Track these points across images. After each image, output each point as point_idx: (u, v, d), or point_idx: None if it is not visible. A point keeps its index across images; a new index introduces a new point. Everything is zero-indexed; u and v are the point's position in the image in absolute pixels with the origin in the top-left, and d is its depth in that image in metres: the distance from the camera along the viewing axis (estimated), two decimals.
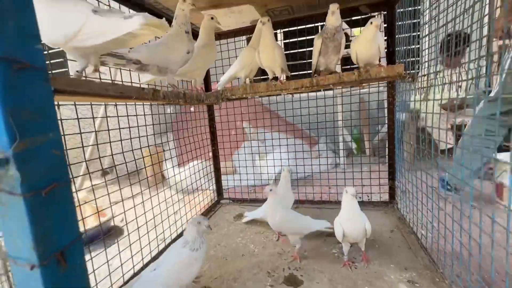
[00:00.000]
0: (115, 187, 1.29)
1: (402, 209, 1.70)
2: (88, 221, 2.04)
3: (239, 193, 2.36)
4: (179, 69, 1.22)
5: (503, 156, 2.05)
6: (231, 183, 2.94)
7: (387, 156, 1.83)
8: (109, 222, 2.24)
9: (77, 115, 1.10)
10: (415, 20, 1.54)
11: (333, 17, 1.25)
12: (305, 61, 1.94)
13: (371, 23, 1.25)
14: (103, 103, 2.30)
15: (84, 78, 0.77)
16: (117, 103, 1.29)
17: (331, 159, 3.73)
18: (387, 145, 1.81)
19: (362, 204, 1.90)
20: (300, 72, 2.27)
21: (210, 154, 2.27)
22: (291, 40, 3.07)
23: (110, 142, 1.26)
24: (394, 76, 1.32)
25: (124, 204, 1.31)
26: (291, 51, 2.17)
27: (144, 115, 1.44)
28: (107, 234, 2.19)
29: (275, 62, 1.48)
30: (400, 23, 1.64)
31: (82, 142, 1.15)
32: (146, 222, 1.44)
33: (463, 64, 1.32)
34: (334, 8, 1.24)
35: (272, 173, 2.99)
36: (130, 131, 1.36)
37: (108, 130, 1.28)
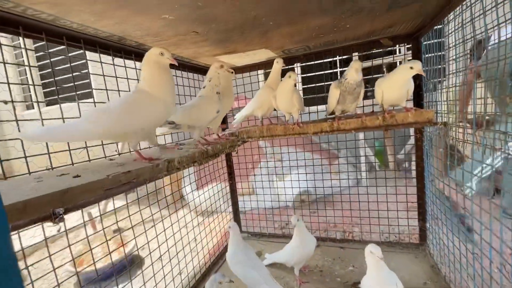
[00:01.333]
0: (135, 208, 1.31)
1: (435, 255, 1.56)
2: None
3: (256, 220, 2.29)
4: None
5: None
6: (248, 204, 2.88)
7: (415, 179, 1.69)
8: (130, 252, 2.29)
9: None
10: (442, 53, 1.42)
11: (356, 74, 1.18)
12: (322, 94, 1.86)
13: (411, 68, 1.13)
14: None
15: None
16: None
17: (352, 175, 3.58)
18: (416, 184, 1.68)
19: (389, 245, 1.79)
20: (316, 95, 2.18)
21: (226, 175, 2.22)
22: (308, 75, 2.99)
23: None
24: (424, 122, 1.21)
25: (144, 227, 1.31)
26: (308, 85, 2.10)
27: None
28: (130, 266, 2.25)
29: (293, 107, 1.42)
30: (427, 55, 1.52)
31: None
32: (168, 249, 1.45)
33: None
34: (357, 65, 1.17)
35: (291, 195, 2.91)
36: None
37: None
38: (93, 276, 1.95)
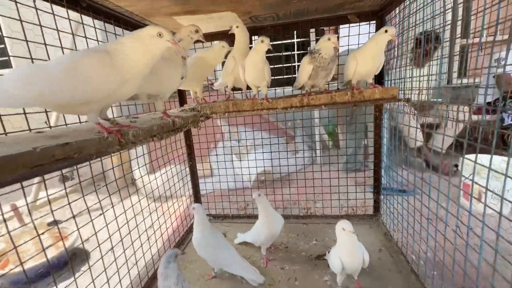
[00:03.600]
0: (77, 196, 1.07)
1: (388, 224, 1.70)
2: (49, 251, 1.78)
3: (219, 202, 2.21)
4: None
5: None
6: (209, 186, 2.77)
7: (373, 170, 1.81)
8: (72, 246, 1.99)
9: (24, 110, 0.84)
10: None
11: (332, 49, 1.13)
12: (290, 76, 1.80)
13: (386, 31, 1.12)
14: None
15: None
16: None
17: (308, 156, 3.72)
18: (373, 159, 1.78)
19: (347, 217, 1.89)
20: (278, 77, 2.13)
21: (185, 156, 2.05)
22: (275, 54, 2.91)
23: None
24: (389, 98, 1.24)
25: (90, 215, 1.10)
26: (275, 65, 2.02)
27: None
28: (73, 261, 1.96)
29: (262, 80, 1.32)
30: None
31: None
32: (121, 239, 1.26)
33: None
34: (335, 39, 1.10)
35: (253, 174, 2.87)
36: None
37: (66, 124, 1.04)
38: (22, 278, 1.64)
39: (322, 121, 3.68)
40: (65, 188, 1.11)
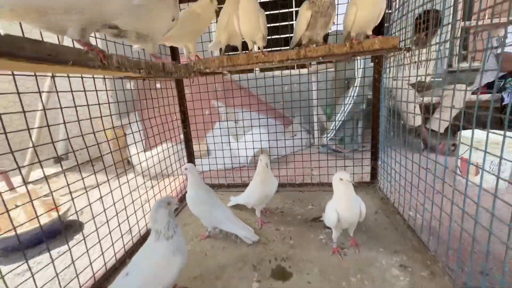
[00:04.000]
0: (72, 176, 1.04)
1: (385, 189, 1.68)
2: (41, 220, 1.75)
3: (215, 178, 2.18)
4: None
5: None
6: (206, 168, 2.75)
7: (370, 136, 1.77)
8: (65, 216, 1.94)
9: (17, 89, 0.81)
10: None
11: None
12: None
13: None
14: (50, 74, 1.85)
15: None
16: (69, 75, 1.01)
17: (306, 139, 3.68)
18: (371, 125, 1.74)
19: None
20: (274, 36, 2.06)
21: (181, 136, 2.02)
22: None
23: (64, 122, 0.99)
24: (389, 48, 1.19)
25: (86, 195, 1.07)
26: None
27: (98, 90, 1.16)
28: (66, 230, 1.92)
29: (257, 31, 1.26)
30: None
31: (26, 122, 0.90)
32: (117, 214, 1.23)
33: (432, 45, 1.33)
34: None
35: (250, 156, 2.84)
36: (89, 109, 1.09)
37: (61, 108, 1.00)
38: (13, 243, 1.60)
39: (320, 103, 3.62)
40: (61, 166, 1.06)
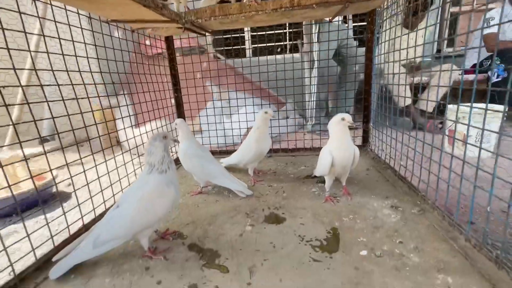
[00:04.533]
0: (60, 156, 0.99)
1: (376, 149, 1.70)
2: (22, 186, 1.68)
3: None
4: None
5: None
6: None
7: (362, 98, 1.78)
8: (50, 187, 1.87)
9: None
10: None
11: None
12: None
13: None
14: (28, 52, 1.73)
15: None
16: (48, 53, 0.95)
17: (299, 120, 3.68)
18: (363, 87, 1.75)
19: None
20: None
21: (173, 109, 1.96)
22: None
23: (47, 101, 0.94)
24: None
25: (72, 169, 1.02)
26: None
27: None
28: (49, 200, 1.86)
29: None
30: None
31: (4, 101, 0.82)
32: (101, 190, 1.18)
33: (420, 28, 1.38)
34: None
35: (241, 133, 2.81)
36: (74, 89, 1.04)
37: (41, 85, 0.94)
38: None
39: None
40: (44, 148, 0.99)
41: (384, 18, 1.55)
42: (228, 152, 2.00)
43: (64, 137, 3.05)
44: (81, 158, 1.08)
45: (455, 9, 3.54)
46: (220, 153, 2.10)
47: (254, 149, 1.45)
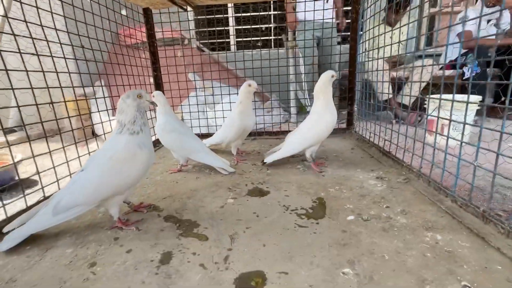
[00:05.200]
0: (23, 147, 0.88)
1: (361, 130, 1.69)
2: None
3: None
4: None
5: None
6: None
7: (347, 80, 1.77)
8: (11, 172, 1.69)
9: None
10: None
11: None
12: None
13: None
14: None
15: None
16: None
17: (283, 116, 3.65)
18: (348, 68, 1.74)
19: None
20: None
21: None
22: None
23: (12, 88, 0.83)
24: None
25: (40, 161, 0.91)
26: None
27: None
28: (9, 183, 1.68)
29: None
30: None
31: None
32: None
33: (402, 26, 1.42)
34: None
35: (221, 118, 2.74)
36: (45, 76, 0.93)
37: (6, 70, 0.83)
38: None
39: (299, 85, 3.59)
40: (7, 140, 0.88)
41: (367, 17, 1.58)
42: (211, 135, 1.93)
43: (33, 127, 2.82)
44: (50, 152, 0.96)
45: (434, 9, 3.67)
46: (202, 136, 2.02)
47: (238, 123, 1.38)
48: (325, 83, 1.13)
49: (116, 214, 0.82)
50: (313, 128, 1.18)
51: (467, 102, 0.79)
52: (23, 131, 3.30)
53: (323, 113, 1.15)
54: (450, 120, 0.86)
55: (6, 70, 0.84)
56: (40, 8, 0.94)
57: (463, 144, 0.81)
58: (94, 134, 2.73)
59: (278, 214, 0.89)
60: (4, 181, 1.56)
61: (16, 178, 1.65)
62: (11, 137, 0.86)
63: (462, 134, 0.80)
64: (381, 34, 1.42)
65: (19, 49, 0.85)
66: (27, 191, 0.91)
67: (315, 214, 0.87)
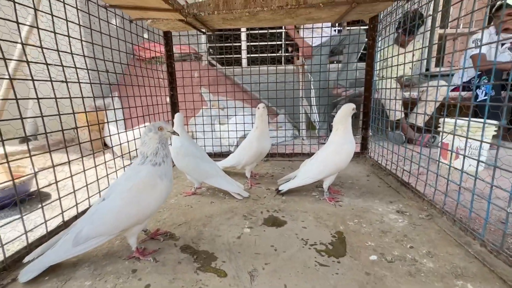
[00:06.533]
0: (42, 156, 0.89)
1: (376, 156, 1.67)
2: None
3: None
4: None
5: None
6: None
7: (362, 105, 1.77)
8: (27, 184, 1.71)
9: None
10: None
11: None
12: None
13: None
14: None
15: None
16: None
17: (291, 131, 3.65)
18: (363, 93, 1.74)
19: None
20: None
21: (166, 115, 1.88)
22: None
23: (38, 98, 0.86)
24: None
25: (56, 171, 0.93)
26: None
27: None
28: (25, 196, 1.70)
29: None
30: None
31: None
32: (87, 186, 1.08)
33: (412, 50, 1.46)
34: None
35: (237, 136, 2.75)
36: (68, 86, 0.96)
37: (33, 80, 0.86)
38: None
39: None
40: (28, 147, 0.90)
41: (380, 38, 1.62)
42: (223, 155, 1.93)
43: (47, 137, 2.88)
44: (69, 161, 0.98)
45: (449, 31, 3.67)
46: (215, 155, 2.02)
47: (255, 147, 1.38)
48: (345, 115, 1.14)
49: (134, 244, 0.82)
50: (333, 157, 1.17)
51: (484, 123, 0.78)
52: (37, 140, 3.38)
53: (343, 142, 1.15)
54: (465, 149, 0.83)
55: (38, 98, 0.86)
56: (71, 37, 0.98)
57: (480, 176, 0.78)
58: (105, 145, 2.77)
59: (296, 248, 0.87)
60: (20, 194, 1.57)
61: (31, 190, 1.68)
62: (23, 147, 0.87)
63: (493, 177, 0.77)
64: (394, 56, 1.45)
65: (50, 77, 0.88)
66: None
67: (336, 252, 0.84)
